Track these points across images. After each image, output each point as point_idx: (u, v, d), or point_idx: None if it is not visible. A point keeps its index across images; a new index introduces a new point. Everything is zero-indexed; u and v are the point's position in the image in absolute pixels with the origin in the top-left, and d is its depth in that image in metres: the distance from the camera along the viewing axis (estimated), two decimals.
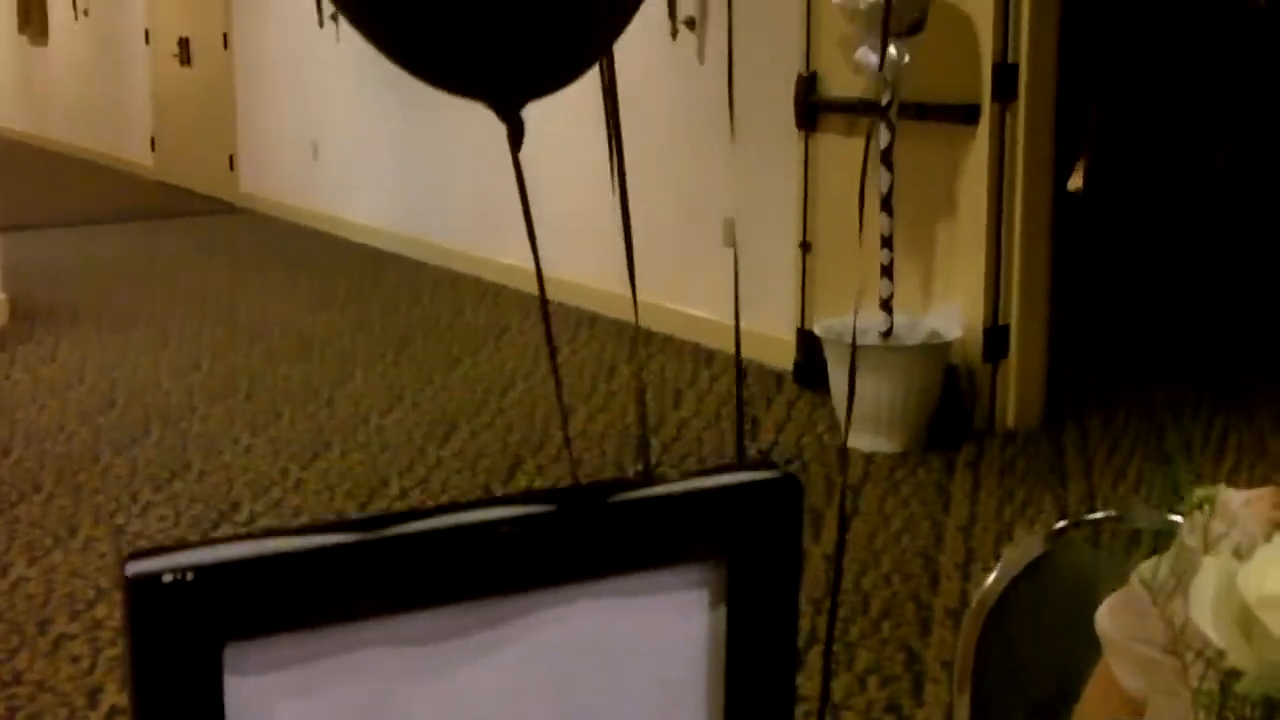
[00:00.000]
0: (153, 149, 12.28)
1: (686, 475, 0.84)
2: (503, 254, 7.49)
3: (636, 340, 5.87)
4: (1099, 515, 1.97)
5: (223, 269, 8.48)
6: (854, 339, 3.27)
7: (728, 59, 3.09)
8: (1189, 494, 1.02)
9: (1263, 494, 1.19)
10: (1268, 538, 0.96)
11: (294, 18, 9.42)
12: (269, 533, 0.77)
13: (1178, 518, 1.16)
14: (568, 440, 2.83)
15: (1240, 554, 0.94)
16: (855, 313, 3.49)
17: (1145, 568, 1.12)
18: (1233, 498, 1.14)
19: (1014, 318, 5.18)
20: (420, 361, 6.30)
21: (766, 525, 0.85)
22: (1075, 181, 9.09)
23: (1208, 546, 0.98)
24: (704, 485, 0.85)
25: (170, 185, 11.73)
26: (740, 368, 2.62)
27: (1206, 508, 1.02)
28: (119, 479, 4.83)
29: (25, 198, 11.21)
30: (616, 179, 2.33)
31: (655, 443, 5.11)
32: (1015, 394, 5.21)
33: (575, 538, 0.83)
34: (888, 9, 3.90)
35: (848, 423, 2.88)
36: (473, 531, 0.80)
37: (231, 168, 10.93)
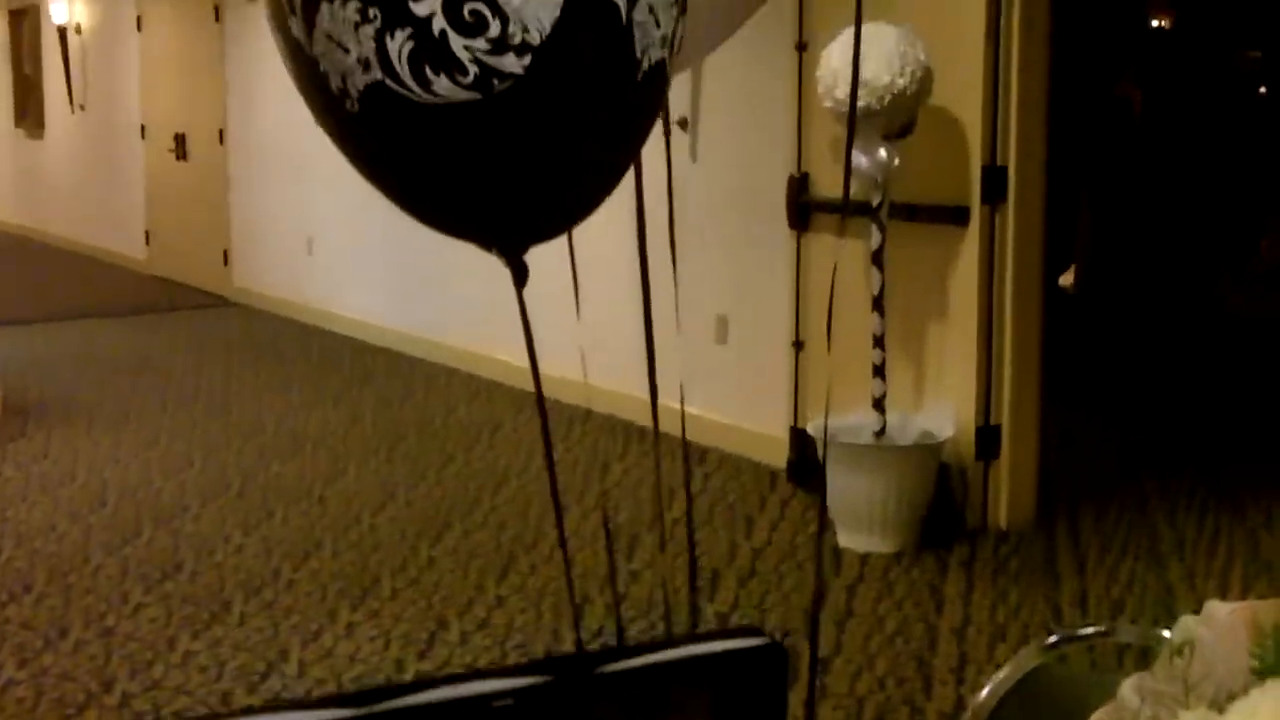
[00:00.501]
0: (147, 243, 12.34)
1: (675, 641, 0.86)
2: (496, 349, 7.52)
3: (658, 461, 5.89)
4: (1088, 630, 1.99)
5: (216, 364, 8.50)
6: (825, 428, 3.30)
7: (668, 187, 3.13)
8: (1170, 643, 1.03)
9: (1243, 611, 1.19)
10: (1244, 689, 0.97)
11: (290, 113, 9.49)
12: (271, 707, 0.78)
13: (1165, 633, 1.16)
14: (563, 541, 2.84)
15: (1218, 706, 0.95)
16: (827, 407, 3.51)
17: (1130, 686, 1.13)
18: (1218, 612, 1.14)
19: (1005, 417, 5.20)
20: (413, 458, 6.30)
21: (753, 692, 0.86)
22: (1067, 279, 9.17)
23: (1187, 693, 0.98)
24: (692, 653, 0.86)
25: (164, 279, 11.78)
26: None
27: (1186, 651, 1.03)
28: (110, 579, 4.81)
29: (18, 291, 11.27)
30: (640, 287, 2.37)
31: (648, 540, 5.10)
32: (1008, 493, 5.22)
33: (568, 708, 0.83)
34: (851, 109, 3.96)
35: (821, 523, 2.89)
36: (469, 706, 0.81)
37: (226, 262, 10.99)
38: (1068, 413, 6.33)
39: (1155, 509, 5.41)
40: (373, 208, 9.77)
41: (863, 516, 5.00)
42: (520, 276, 1.87)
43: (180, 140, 11.57)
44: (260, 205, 10.45)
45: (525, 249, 1.85)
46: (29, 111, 14.83)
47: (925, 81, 4.84)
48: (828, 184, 5.58)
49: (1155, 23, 11.65)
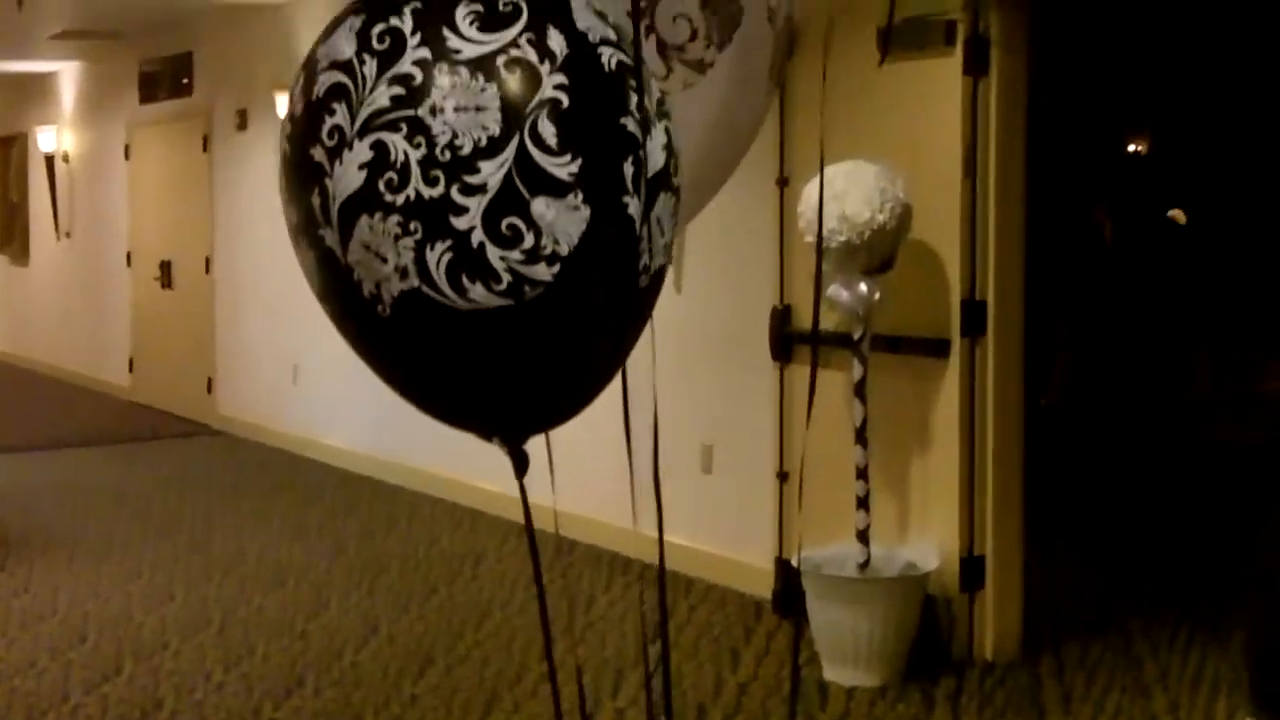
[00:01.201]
0: (131, 370, 12.36)
1: None
2: (479, 478, 7.52)
3: (641, 596, 5.88)
4: None
5: (198, 495, 8.47)
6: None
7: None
8: None
9: None
10: None
11: (276, 242, 9.56)
12: None
13: None
14: (552, 675, 2.83)
15: None
16: (800, 542, 3.51)
17: None
18: None
19: (989, 548, 5.21)
20: (396, 591, 6.26)
21: None
22: (1047, 398, 9.22)
23: None
24: None
25: (147, 407, 11.78)
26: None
27: None
28: (89, 719, 4.75)
29: (1, 419, 11.25)
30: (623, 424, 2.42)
31: (632, 676, 5.07)
32: (993, 624, 5.21)
33: None
34: (818, 246, 4.01)
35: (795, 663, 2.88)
36: None
37: (210, 390, 11.00)
38: (1051, 541, 6.34)
39: (1139, 639, 5.40)
40: None
41: (848, 650, 4.98)
42: (521, 466, 1.95)
43: (166, 268, 11.65)
44: (245, 333, 10.49)
45: (526, 439, 1.94)
46: (14, 238, 14.91)
47: (905, 217, 4.91)
48: (810, 316, 5.63)
49: (1131, 147, 11.87)
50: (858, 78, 5.12)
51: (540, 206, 1.76)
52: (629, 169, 1.84)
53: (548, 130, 1.77)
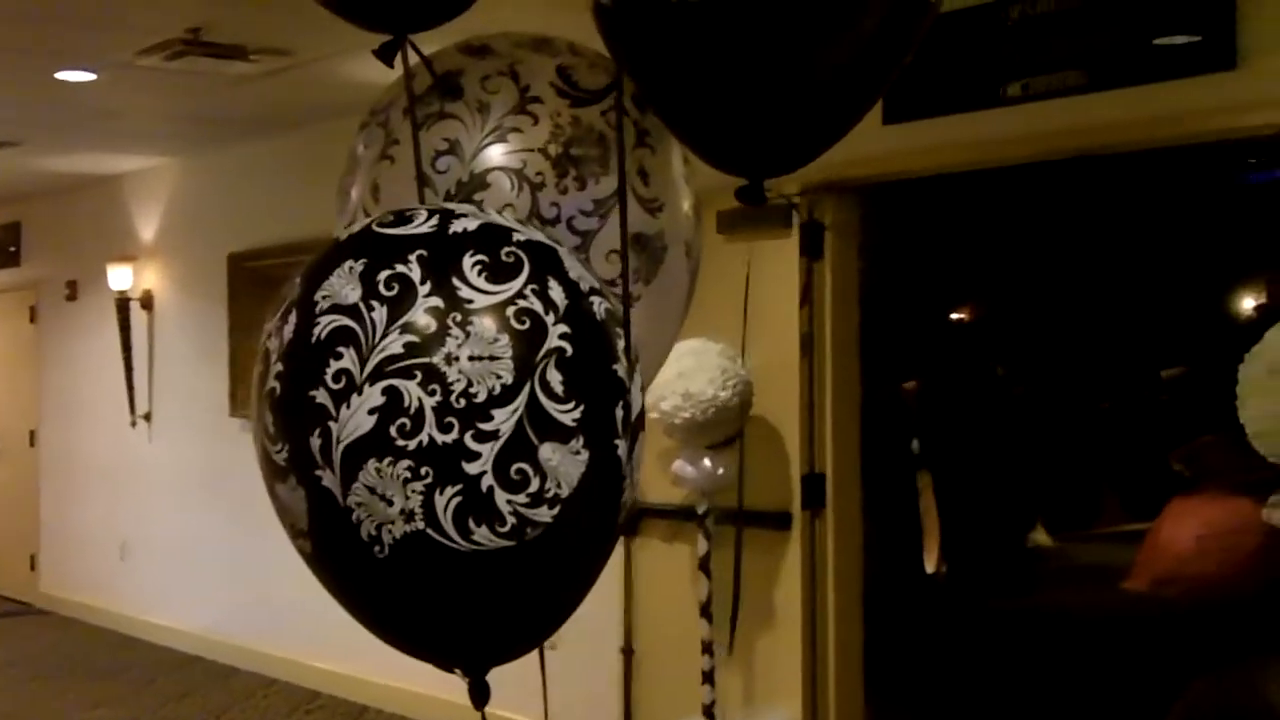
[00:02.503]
0: None
1: None
2: (316, 658, 7.37)
3: None
4: None
5: (20, 679, 8.13)
6: None
7: None
8: None
9: None
10: None
11: (105, 416, 9.41)
12: None
13: None
14: None
15: None
16: None
17: None
18: None
19: (832, 718, 5.26)
20: None
21: None
22: (934, 564, 9.28)
23: None
24: None
25: None
26: None
27: None
28: None
29: None
30: None
31: None
32: None
33: None
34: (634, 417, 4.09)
35: None
36: None
37: (33, 568, 10.63)
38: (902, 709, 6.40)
39: None
40: (188, 512, 9.59)
41: None
42: (482, 697, 1.96)
43: None
44: (71, 509, 10.19)
45: (489, 668, 1.96)
46: None
47: (747, 394, 5.04)
48: (656, 492, 5.70)
49: (956, 316, 12.30)
50: (703, 258, 5.26)
51: (547, 452, 1.82)
52: (619, 413, 1.93)
53: (555, 378, 1.84)
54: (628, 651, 5.82)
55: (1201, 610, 8.32)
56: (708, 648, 5.14)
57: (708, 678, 5.12)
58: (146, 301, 9.12)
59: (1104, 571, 9.57)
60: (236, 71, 6.14)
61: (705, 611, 5.14)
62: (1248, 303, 12.14)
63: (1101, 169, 5.98)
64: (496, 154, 2.25)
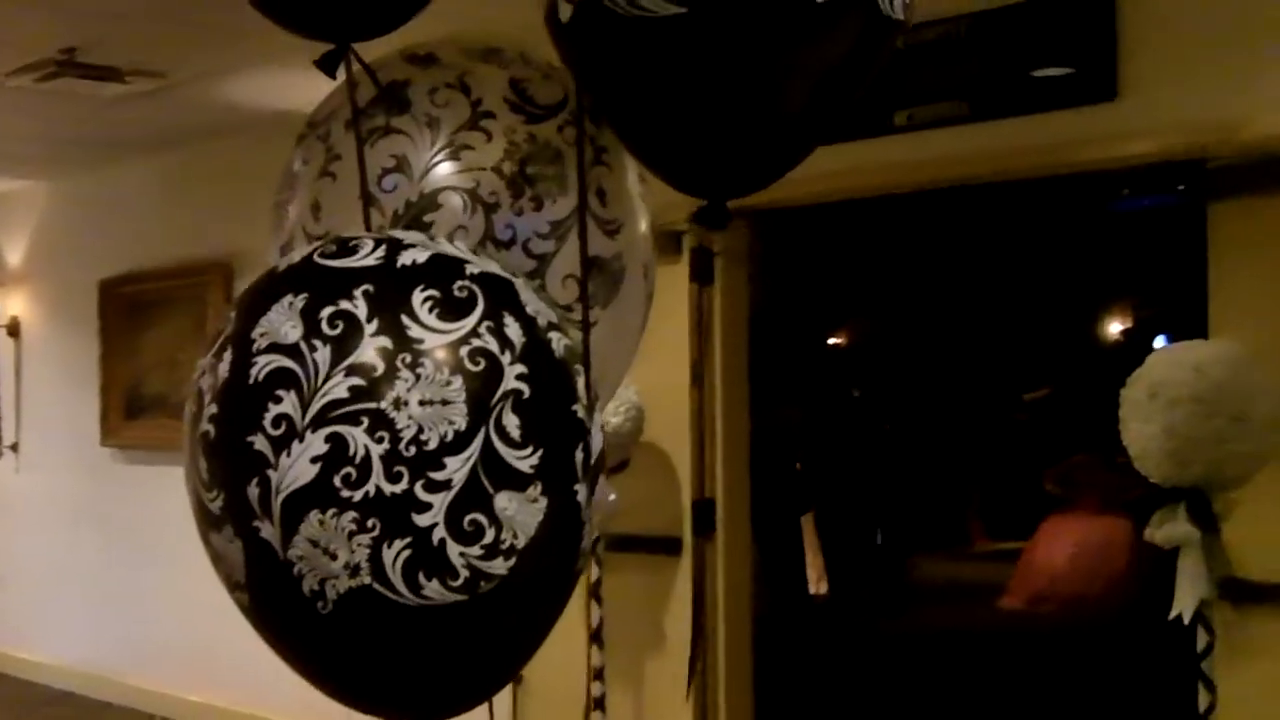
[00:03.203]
0: None
1: None
2: (193, 691, 7.21)
3: None
4: None
5: None
6: None
7: None
8: None
9: None
10: None
11: None
12: None
13: None
14: None
15: None
16: None
17: None
18: None
19: None
20: None
21: None
22: (818, 586, 9.33)
23: None
24: None
25: None
26: None
27: None
28: None
29: None
30: None
31: None
32: None
33: None
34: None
35: None
36: None
37: None
38: None
39: None
40: (60, 544, 9.32)
41: None
42: None
43: None
44: None
45: None
46: None
47: (639, 420, 5.03)
48: None
49: (833, 340, 12.46)
50: None
51: (503, 501, 1.72)
52: (579, 456, 1.82)
53: (511, 422, 1.73)
54: (516, 679, 5.77)
55: (1076, 626, 8.51)
56: (599, 674, 5.12)
57: (599, 704, 5.10)
58: (13, 329, 8.88)
59: (980, 590, 9.74)
60: (111, 93, 6.01)
61: (596, 638, 5.12)
62: (1114, 326, 12.48)
63: (985, 197, 6.09)
64: (447, 172, 2.10)
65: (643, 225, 2.33)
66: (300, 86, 5.87)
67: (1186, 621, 3.25)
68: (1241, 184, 3.73)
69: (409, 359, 1.71)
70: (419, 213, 2.08)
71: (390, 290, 1.77)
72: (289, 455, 1.69)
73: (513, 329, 1.79)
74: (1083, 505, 8.95)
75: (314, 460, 1.68)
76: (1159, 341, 10.35)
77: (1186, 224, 4.19)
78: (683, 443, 5.26)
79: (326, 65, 2.04)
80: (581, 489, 1.83)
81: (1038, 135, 4.36)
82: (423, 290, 1.77)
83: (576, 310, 2.09)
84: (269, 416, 1.71)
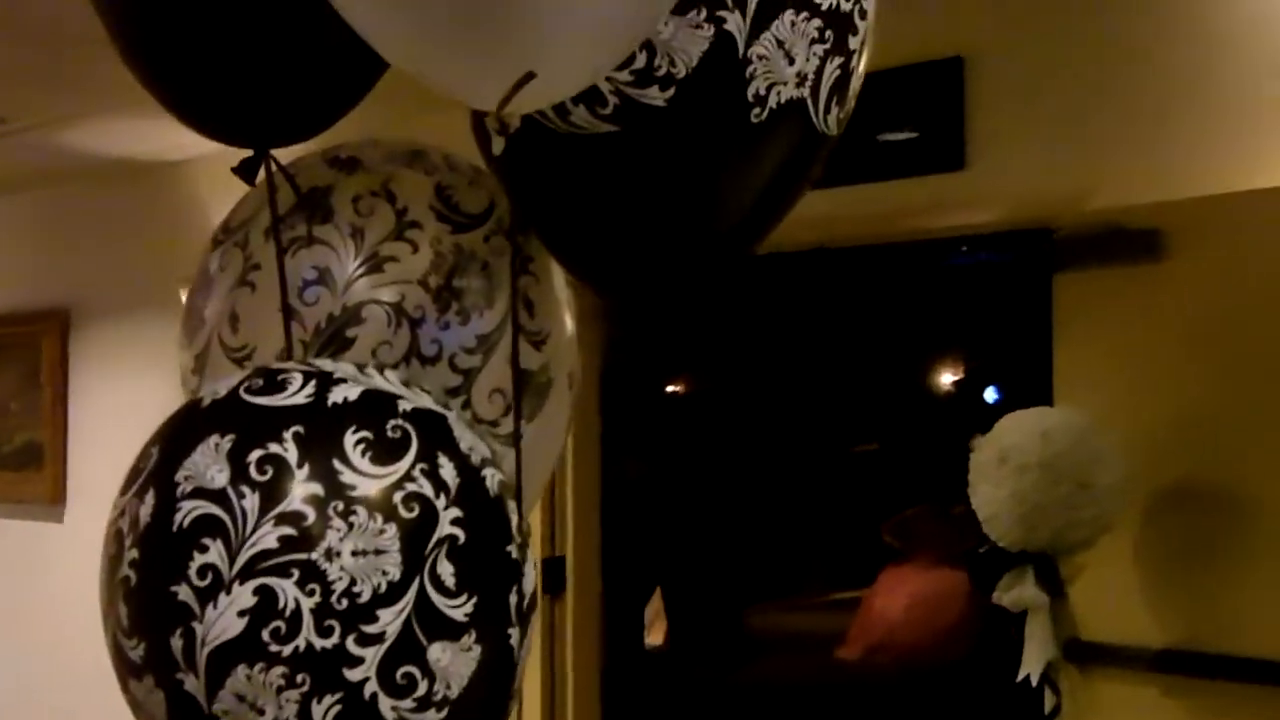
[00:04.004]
0: None
1: None
2: None
3: None
4: None
5: None
6: None
7: None
8: None
9: None
10: None
11: None
12: None
13: None
14: None
15: None
16: None
17: None
18: None
19: None
20: None
21: None
22: (654, 638, 9.33)
23: None
24: None
25: None
26: None
27: None
28: None
29: None
30: None
31: None
32: None
33: None
34: None
35: None
36: None
37: None
38: None
39: None
40: None
41: None
42: None
43: None
44: None
45: None
46: None
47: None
48: None
49: (671, 388, 12.54)
50: None
51: (436, 652, 1.67)
52: (513, 599, 1.77)
53: (446, 570, 1.68)
54: None
55: (912, 677, 8.66)
56: None
57: None
58: None
59: (820, 640, 9.85)
60: None
61: None
62: (945, 378, 12.77)
63: (827, 259, 6.21)
64: (371, 285, 2.02)
65: (569, 330, 2.29)
66: (143, 134, 5.79)
67: (1034, 684, 3.33)
68: (1087, 254, 3.84)
69: (341, 507, 1.66)
70: (341, 326, 2.01)
71: (321, 432, 1.72)
72: (215, 607, 1.63)
73: (447, 469, 1.74)
74: (920, 557, 9.10)
75: (241, 614, 1.63)
76: (989, 393, 10.61)
77: (1019, 279, 4.28)
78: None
79: (245, 172, 1.98)
80: (515, 633, 1.79)
81: (883, 202, 4.42)
82: (355, 432, 1.72)
83: (502, 424, 2.05)
84: (194, 566, 1.65)
